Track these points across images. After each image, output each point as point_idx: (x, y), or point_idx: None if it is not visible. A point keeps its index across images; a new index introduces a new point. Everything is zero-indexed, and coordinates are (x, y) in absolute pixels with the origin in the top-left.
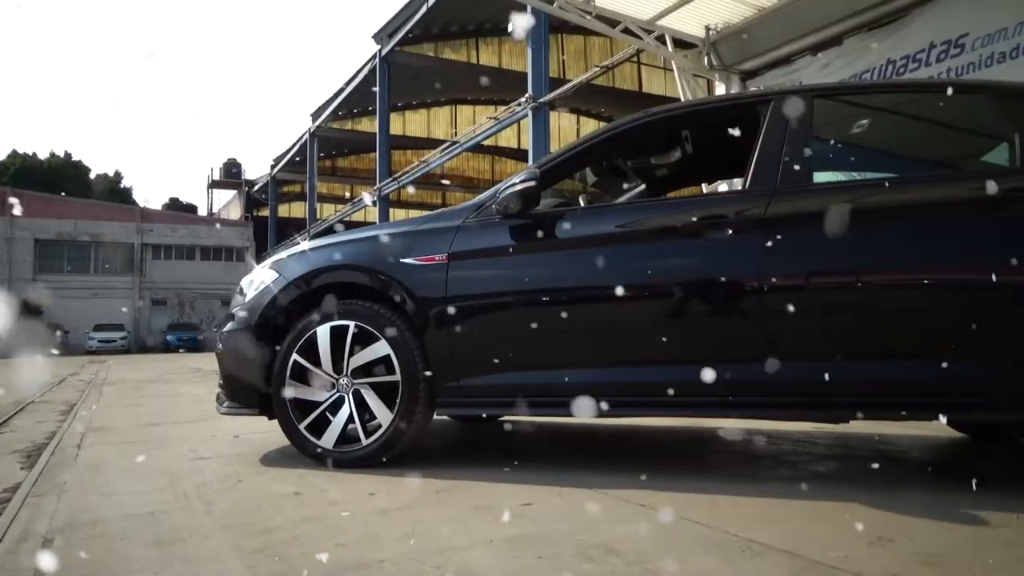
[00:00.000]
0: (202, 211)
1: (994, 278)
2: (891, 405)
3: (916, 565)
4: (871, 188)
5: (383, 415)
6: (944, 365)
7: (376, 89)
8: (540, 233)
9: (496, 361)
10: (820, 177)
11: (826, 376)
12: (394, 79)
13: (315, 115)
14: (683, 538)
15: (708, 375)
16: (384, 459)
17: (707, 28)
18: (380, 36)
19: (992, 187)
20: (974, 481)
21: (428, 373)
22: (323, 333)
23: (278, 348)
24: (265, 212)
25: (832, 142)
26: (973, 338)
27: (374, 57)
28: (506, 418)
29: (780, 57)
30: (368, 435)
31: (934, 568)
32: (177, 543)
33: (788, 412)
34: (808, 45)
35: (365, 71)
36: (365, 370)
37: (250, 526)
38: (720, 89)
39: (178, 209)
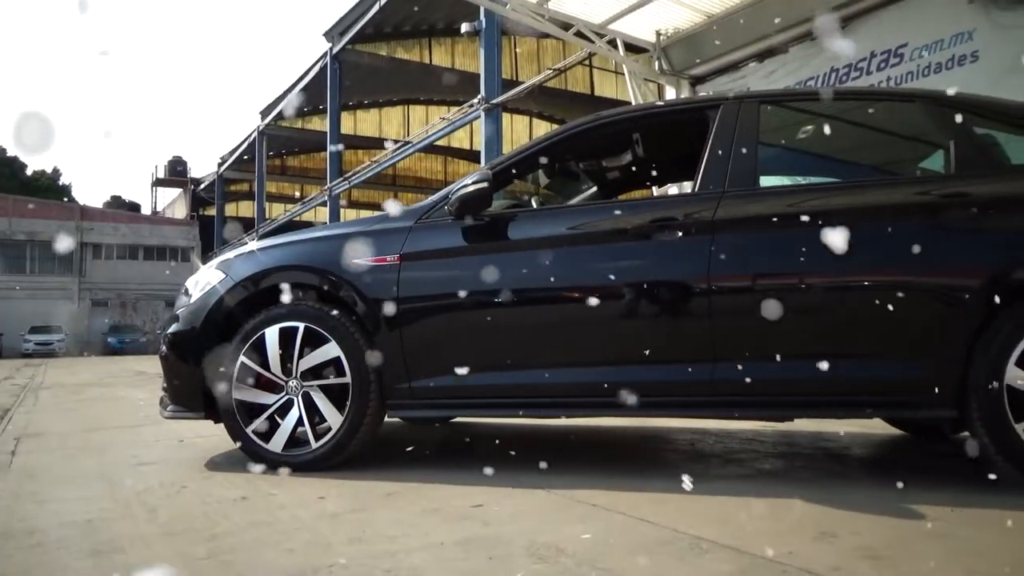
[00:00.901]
0: (146, 210)
1: (927, 280)
2: (833, 404)
3: (857, 559)
4: (815, 192)
5: (333, 418)
6: (883, 364)
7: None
8: (492, 234)
9: (448, 363)
10: (766, 181)
11: (771, 376)
12: (346, 78)
13: (264, 113)
14: (633, 537)
15: (658, 375)
16: (334, 462)
17: (658, 33)
18: (331, 34)
19: (927, 193)
20: (908, 477)
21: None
22: (272, 335)
23: (225, 350)
24: (211, 211)
25: (778, 147)
26: (909, 339)
27: (325, 55)
28: (458, 420)
29: (728, 63)
30: (318, 438)
31: (874, 561)
32: (117, 552)
33: (735, 411)
34: (755, 52)
35: (316, 69)
36: (315, 372)
37: (195, 533)
38: (670, 94)
39: (120, 207)
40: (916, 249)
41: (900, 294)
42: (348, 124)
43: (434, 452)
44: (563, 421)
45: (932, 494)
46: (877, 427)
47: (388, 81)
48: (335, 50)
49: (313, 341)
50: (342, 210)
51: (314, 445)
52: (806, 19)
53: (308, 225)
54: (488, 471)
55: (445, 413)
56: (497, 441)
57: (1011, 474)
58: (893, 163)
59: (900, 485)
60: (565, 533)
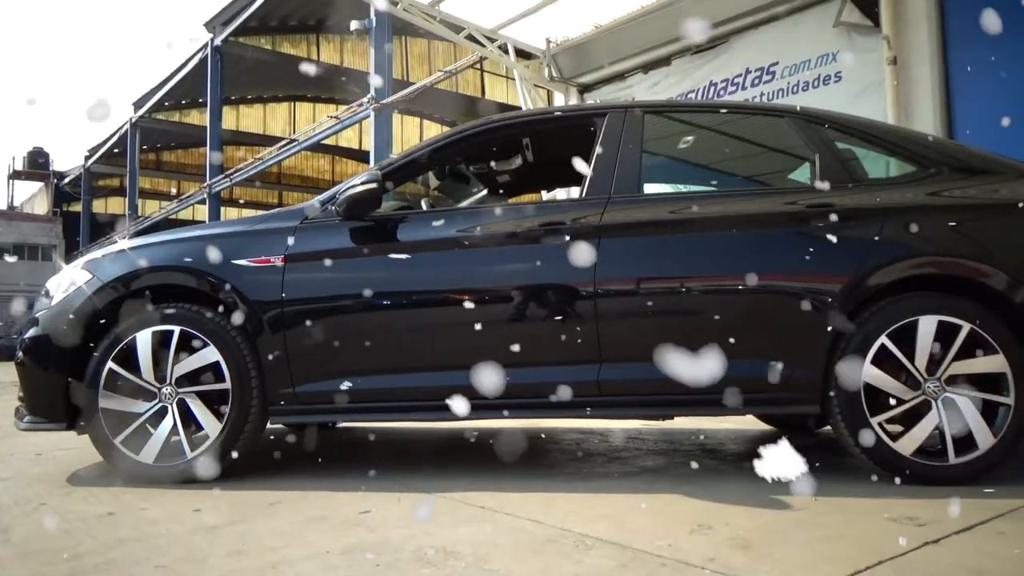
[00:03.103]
0: (1, 204)
1: (794, 285)
2: (710, 402)
3: (731, 548)
4: (694, 200)
5: (211, 425)
6: (754, 364)
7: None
8: (381, 236)
9: (334, 367)
10: (649, 188)
11: (653, 376)
12: (228, 71)
13: (138, 104)
14: (520, 537)
15: (546, 377)
16: (212, 472)
17: (548, 41)
18: (213, 24)
19: (794, 203)
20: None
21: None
22: (143, 339)
23: (90, 356)
24: (77, 207)
25: (661, 155)
26: (778, 339)
27: (206, 46)
28: (345, 424)
29: (615, 73)
30: (194, 447)
31: (746, 550)
32: None
33: (619, 411)
34: (640, 63)
35: (195, 60)
36: (191, 378)
37: (54, 553)
38: (559, 100)
39: None
40: (784, 255)
41: (770, 297)
42: (230, 119)
43: (320, 459)
44: (452, 424)
45: (797, 485)
46: (750, 423)
47: (273, 76)
48: (216, 41)
49: (190, 345)
50: (223, 209)
51: (190, 455)
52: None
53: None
54: (376, 476)
55: (332, 418)
56: (385, 445)
57: (867, 464)
58: (765, 174)
59: (769, 478)
60: (454, 536)
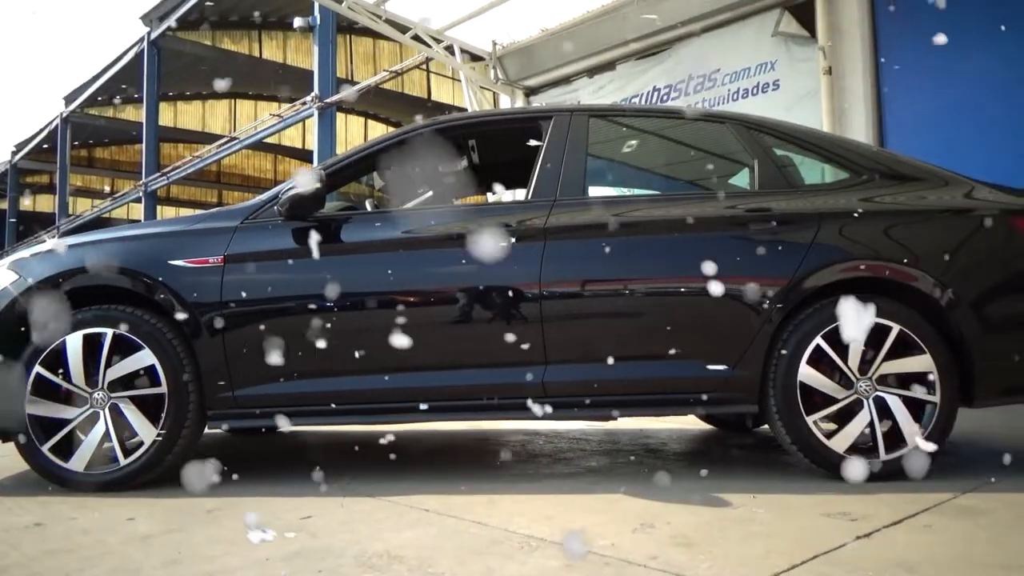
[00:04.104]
0: None
1: (734, 288)
2: (653, 402)
3: (672, 546)
4: (638, 203)
5: (146, 431)
6: (695, 365)
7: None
8: (324, 237)
9: (275, 370)
10: (594, 191)
11: (598, 377)
12: (165, 66)
13: (69, 99)
14: (465, 539)
15: (491, 379)
16: (147, 480)
17: (494, 43)
18: (150, 18)
19: (734, 207)
20: (717, 468)
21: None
22: (74, 342)
23: (15, 360)
24: (2, 205)
25: (605, 159)
26: (718, 341)
27: (142, 40)
28: (286, 429)
29: (561, 77)
30: (128, 454)
31: (687, 547)
32: None
33: (564, 412)
34: (585, 68)
35: (131, 54)
36: (125, 382)
37: None
38: (505, 102)
39: None
40: (725, 258)
41: (711, 299)
42: (167, 116)
43: (259, 464)
44: (396, 426)
45: (737, 482)
46: (691, 423)
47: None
48: (153, 35)
49: (124, 349)
50: (159, 208)
51: (123, 462)
52: (631, 40)
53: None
54: (318, 481)
55: (272, 422)
56: (328, 449)
57: (803, 461)
58: (706, 179)
59: (713, 475)
60: (398, 540)
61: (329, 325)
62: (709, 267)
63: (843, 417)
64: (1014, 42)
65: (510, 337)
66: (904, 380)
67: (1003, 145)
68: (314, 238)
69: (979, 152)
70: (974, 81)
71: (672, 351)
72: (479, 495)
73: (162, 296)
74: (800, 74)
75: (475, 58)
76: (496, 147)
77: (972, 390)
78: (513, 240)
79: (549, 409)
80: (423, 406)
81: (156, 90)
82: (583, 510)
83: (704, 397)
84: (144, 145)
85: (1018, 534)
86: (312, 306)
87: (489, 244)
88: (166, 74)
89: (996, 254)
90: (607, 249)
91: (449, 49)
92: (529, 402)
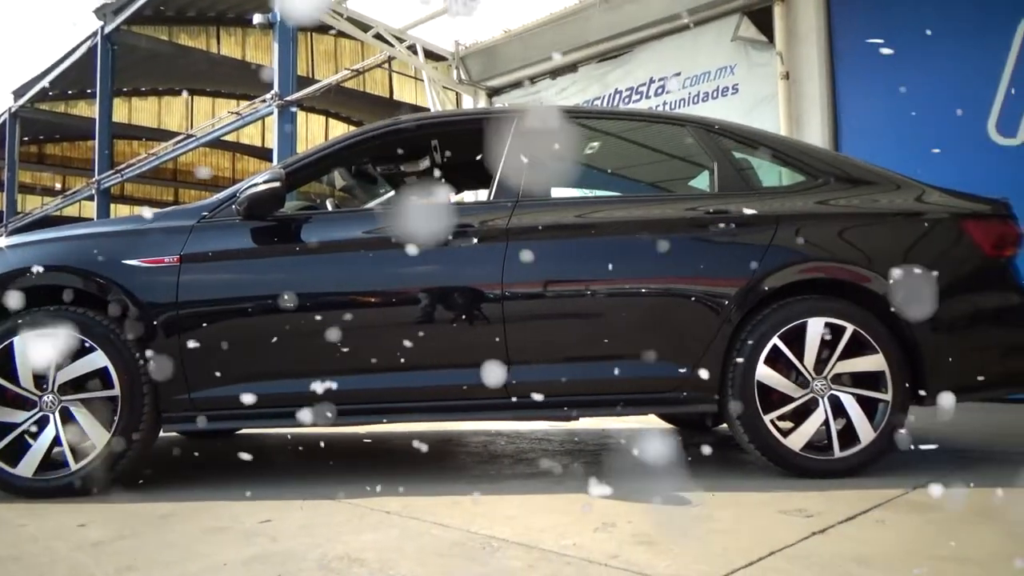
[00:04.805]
0: None
1: (694, 288)
2: (614, 402)
3: (633, 545)
4: (600, 204)
5: (98, 435)
6: (656, 365)
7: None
8: (284, 236)
9: (233, 371)
10: (557, 192)
11: (560, 377)
12: (120, 61)
13: (19, 93)
14: (427, 541)
15: (454, 379)
16: (99, 485)
17: (457, 43)
18: (103, 11)
19: (695, 209)
20: (676, 467)
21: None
22: (21, 344)
23: None
24: None
25: (568, 160)
26: (678, 341)
27: (95, 34)
28: (244, 431)
29: (524, 78)
30: (79, 458)
31: (647, 546)
32: None
33: (527, 412)
34: (548, 69)
35: (84, 48)
36: (77, 385)
37: None
38: (468, 103)
39: None
40: (685, 259)
41: (672, 300)
42: (122, 112)
43: (217, 467)
44: (355, 428)
45: (697, 481)
46: (651, 423)
47: (170, 68)
48: (107, 29)
49: (75, 350)
50: (113, 206)
51: (74, 466)
52: (594, 42)
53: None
54: (278, 484)
55: (230, 425)
56: (288, 452)
57: (760, 459)
58: (668, 180)
59: (670, 475)
60: (359, 543)
61: (288, 326)
62: (670, 268)
63: (799, 416)
64: (965, 49)
65: (472, 338)
66: (858, 379)
67: (953, 149)
68: (273, 238)
69: (930, 156)
70: (926, 87)
71: (633, 351)
72: (441, 496)
73: (116, 296)
74: (759, 78)
75: (438, 58)
76: (459, 147)
77: (923, 389)
78: (475, 240)
79: (512, 409)
80: (385, 408)
81: (110, 85)
82: (545, 510)
83: (665, 397)
84: (97, 141)
85: (968, 529)
86: (270, 307)
87: (452, 244)
88: (120, 69)
89: (945, 256)
90: (570, 250)
91: (411, 48)
92: (492, 403)
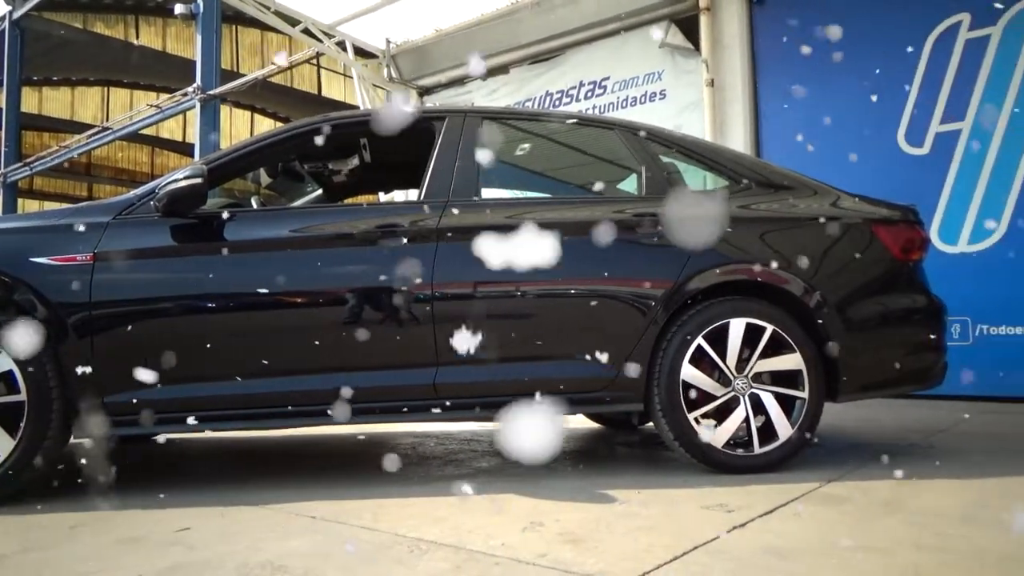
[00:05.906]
0: None
1: (621, 289)
2: (543, 403)
3: (561, 544)
4: (529, 205)
5: (2, 443)
6: (583, 365)
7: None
8: (205, 235)
9: (149, 374)
10: (487, 193)
11: (488, 378)
12: (30, 49)
13: None
14: (354, 546)
15: (383, 381)
16: (3, 496)
17: (388, 41)
18: None
19: (623, 211)
20: (604, 466)
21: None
22: None
23: None
24: None
25: (498, 161)
26: (605, 341)
27: (3, 19)
28: (161, 437)
29: (455, 78)
30: None
31: (574, 544)
32: None
33: (456, 413)
34: (480, 70)
35: None
36: None
37: None
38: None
39: None
40: (612, 261)
41: (598, 301)
42: (31, 101)
43: (133, 474)
44: (281, 431)
45: (623, 479)
46: (580, 422)
47: (84, 57)
48: (16, 15)
49: None
50: (21, 201)
51: None
52: (526, 44)
53: None
54: (197, 491)
55: (146, 430)
56: (208, 457)
57: (684, 456)
58: (597, 183)
59: (600, 472)
60: (282, 549)
61: (208, 327)
62: (598, 269)
63: (722, 413)
64: (879, 60)
65: (400, 338)
66: (777, 378)
67: (866, 158)
68: (193, 236)
69: (847, 164)
70: (842, 96)
71: (562, 352)
72: (369, 500)
73: (22, 296)
74: (685, 85)
75: (368, 55)
76: (388, 146)
77: (837, 386)
78: (405, 240)
79: (440, 411)
80: (312, 410)
81: (19, 74)
82: (474, 511)
83: (593, 396)
84: (3, 132)
85: (876, 519)
86: (189, 308)
87: (380, 244)
88: (31, 57)
89: (858, 260)
90: (499, 251)
91: (341, 45)
92: (420, 404)
